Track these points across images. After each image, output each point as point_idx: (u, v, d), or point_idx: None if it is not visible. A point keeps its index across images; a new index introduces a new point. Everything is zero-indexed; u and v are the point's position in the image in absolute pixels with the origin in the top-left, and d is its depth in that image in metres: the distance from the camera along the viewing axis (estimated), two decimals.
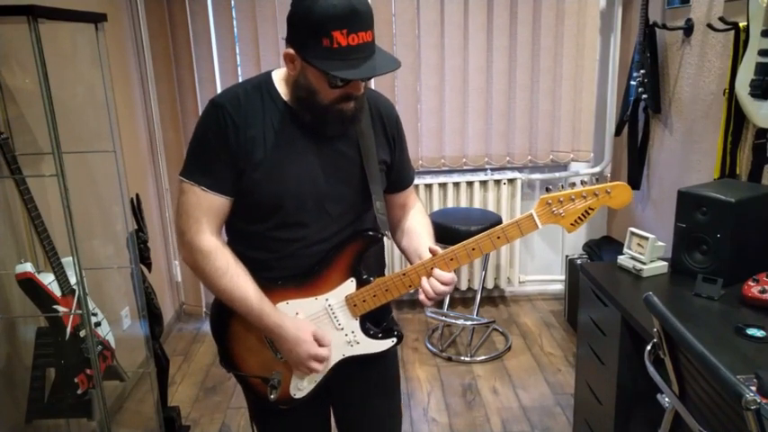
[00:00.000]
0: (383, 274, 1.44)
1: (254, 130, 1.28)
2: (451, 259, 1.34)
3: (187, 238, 1.31)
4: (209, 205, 1.30)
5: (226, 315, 1.39)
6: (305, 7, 1.15)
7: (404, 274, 1.36)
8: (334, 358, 1.41)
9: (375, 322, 1.44)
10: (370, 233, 1.39)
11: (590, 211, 1.32)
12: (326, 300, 1.38)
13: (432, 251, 1.36)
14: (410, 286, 1.37)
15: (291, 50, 1.22)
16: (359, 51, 1.17)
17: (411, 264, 1.41)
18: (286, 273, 1.36)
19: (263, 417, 1.55)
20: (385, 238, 1.44)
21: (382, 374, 1.56)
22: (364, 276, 1.38)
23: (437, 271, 1.34)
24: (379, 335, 1.43)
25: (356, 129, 1.36)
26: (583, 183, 1.35)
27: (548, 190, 1.34)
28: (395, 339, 1.43)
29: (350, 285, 1.38)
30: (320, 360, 1.36)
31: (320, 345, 1.36)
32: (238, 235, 1.40)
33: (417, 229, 1.49)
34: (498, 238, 1.33)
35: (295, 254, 1.35)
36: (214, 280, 1.31)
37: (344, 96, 1.24)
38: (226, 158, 1.28)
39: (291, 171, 1.30)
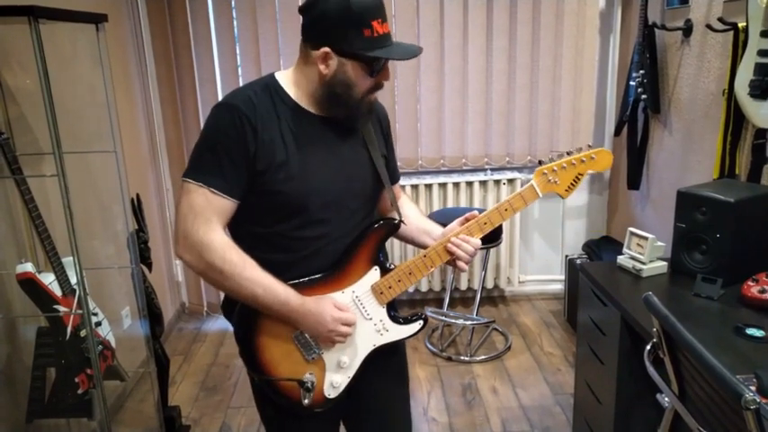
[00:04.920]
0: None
1: (270, 131, 1.29)
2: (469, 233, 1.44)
3: (195, 238, 1.27)
4: (217, 206, 1.28)
5: (252, 320, 1.36)
6: (340, 3, 1.21)
7: (425, 256, 1.43)
8: (366, 349, 1.43)
9: (396, 309, 1.49)
10: (391, 221, 1.45)
11: (580, 177, 1.47)
12: (353, 291, 1.40)
13: (468, 218, 1.44)
14: (431, 266, 1.44)
15: (326, 49, 1.24)
16: (389, 38, 1.29)
17: (416, 243, 1.52)
18: (311, 271, 1.37)
19: (278, 423, 1.51)
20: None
21: (400, 363, 1.61)
22: (387, 264, 1.43)
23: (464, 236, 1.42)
24: (406, 319, 1.46)
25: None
26: (568, 153, 1.46)
27: (540, 163, 1.45)
28: (422, 322, 1.47)
29: (374, 274, 1.41)
30: (346, 322, 1.35)
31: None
32: (256, 240, 1.36)
33: (412, 213, 1.58)
34: (506, 210, 1.44)
35: (319, 251, 1.36)
36: (235, 275, 1.28)
37: (375, 86, 1.32)
38: (241, 161, 1.27)
39: (314, 170, 1.32)
